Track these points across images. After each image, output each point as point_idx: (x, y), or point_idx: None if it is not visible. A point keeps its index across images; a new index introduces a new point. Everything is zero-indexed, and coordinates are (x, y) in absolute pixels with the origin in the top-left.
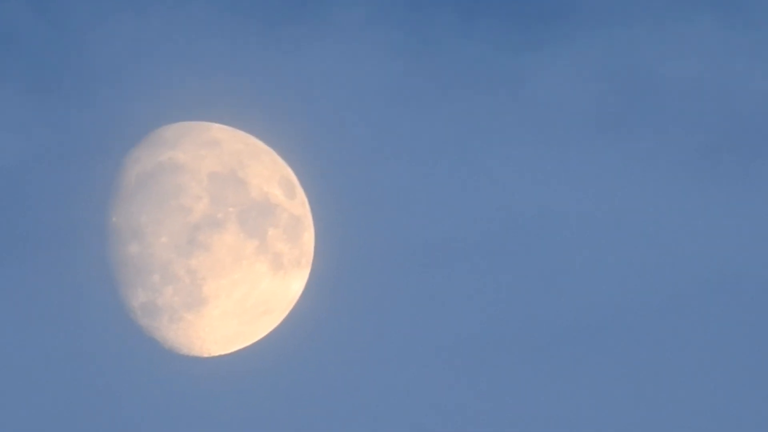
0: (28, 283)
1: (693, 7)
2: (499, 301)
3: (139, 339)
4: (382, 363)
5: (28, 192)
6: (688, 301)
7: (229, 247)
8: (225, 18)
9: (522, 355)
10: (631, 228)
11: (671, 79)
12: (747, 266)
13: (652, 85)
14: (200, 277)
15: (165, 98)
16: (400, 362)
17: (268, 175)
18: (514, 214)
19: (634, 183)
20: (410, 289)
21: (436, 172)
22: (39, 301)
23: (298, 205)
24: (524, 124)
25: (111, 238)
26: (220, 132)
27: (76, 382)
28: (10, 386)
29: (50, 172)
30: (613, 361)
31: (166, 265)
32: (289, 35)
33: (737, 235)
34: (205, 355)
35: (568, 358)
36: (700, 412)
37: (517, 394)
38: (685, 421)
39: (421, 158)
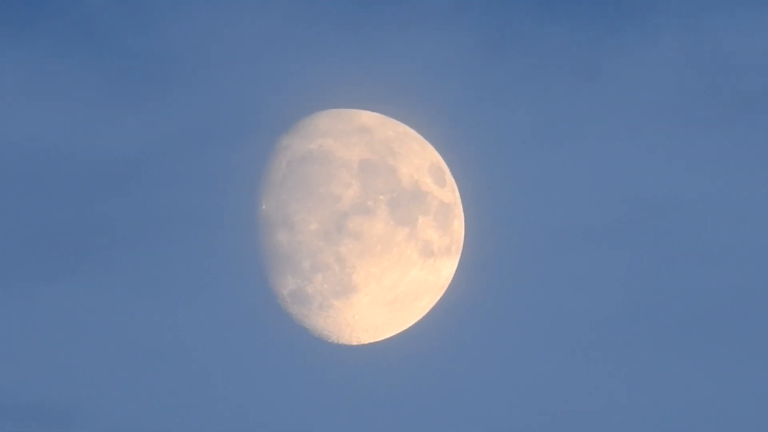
0: (174, 271)
1: None
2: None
3: (289, 327)
4: (531, 348)
5: (174, 178)
6: None
7: (379, 235)
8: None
9: (659, 338)
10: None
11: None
12: None
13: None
14: (350, 265)
15: (309, 86)
16: (547, 346)
17: (419, 162)
18: (644, 200)
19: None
20: (555, 274)
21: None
22: (186, 289)
23: (448, 193)
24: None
25: (260, 225)
26: (370, 119)
27: (224, 370)
28: (157, 373)
29: (196, 158)
30: (743, 346)
31: (316, 252)
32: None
33: None
34: (355, 343)
35: (697, 343)
36: None
37: (649, 379)
38: None
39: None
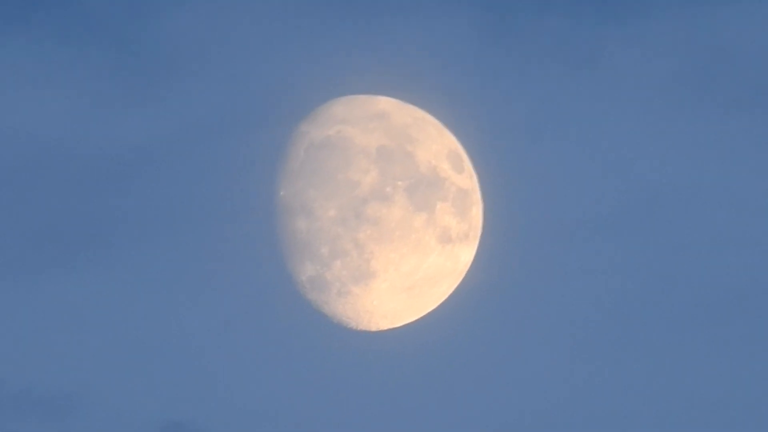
0: (194, 258)
1: None
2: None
3: (308, 313)
4: (547, 334)
5: (189, 168)
6: None
7: (398, 221)
8: None
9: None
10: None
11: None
12: None
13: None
14: (368, 251)
15: (327, 72)
16: (563, 333)
17: (437, 148)
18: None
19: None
20: (570, 262)
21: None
22: (206, 276)
23: (466, 179)
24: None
25: (279, 212)
26: (388, 104)
27: (243, 356)
28: (174, 364)
29: (212, 147)
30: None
31: (335, 239)
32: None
33: None
34: (374, 329)
35: (711, 329)
36: None
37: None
38: None
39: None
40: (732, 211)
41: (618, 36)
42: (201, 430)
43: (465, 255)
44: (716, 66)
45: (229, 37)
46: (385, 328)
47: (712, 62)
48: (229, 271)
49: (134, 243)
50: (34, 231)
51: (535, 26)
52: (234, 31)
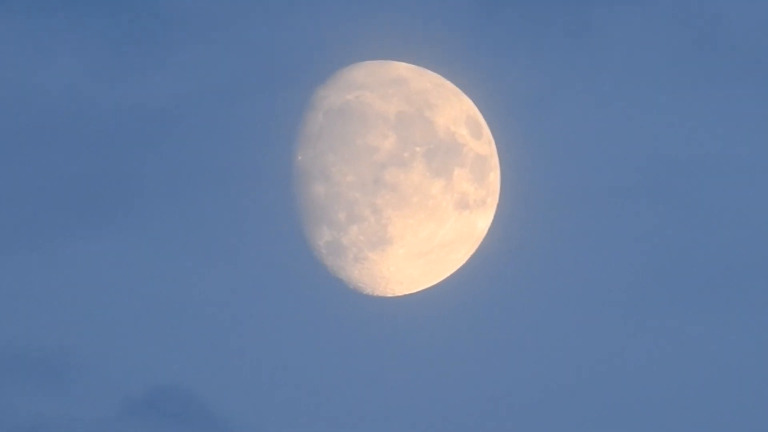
0: (210, 221)
1: None
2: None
3: (324, 278)
4: (564, 301)
5: (207, 130)
6: None
7: (416, 187)
8: None
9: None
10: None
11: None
12: None
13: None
14: (386, 217)
15: (347, 37)
16: (579, 299)
17: (455, 114)
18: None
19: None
20: (587, 229)
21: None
22: (221, 241)
23: (485, 145)
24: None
25: (297, 176)
26: (407, 71)
27: (260, 320)
28: (192, 325)
29: (230, 109)
30: None
31: (352, 204)
32: None
33: None
34: (389, 294)
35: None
36: None
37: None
38: None
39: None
40: (741, 181)
41: (610, 3)
42: (205, 394)
43: (482, 221)
44: (709, 32)
45: (248, 2)
46: (401, 294)
47: (706, 29)
48: (246, 235)
49: (151, 206)
50: (48, 195)
51: None
52: None
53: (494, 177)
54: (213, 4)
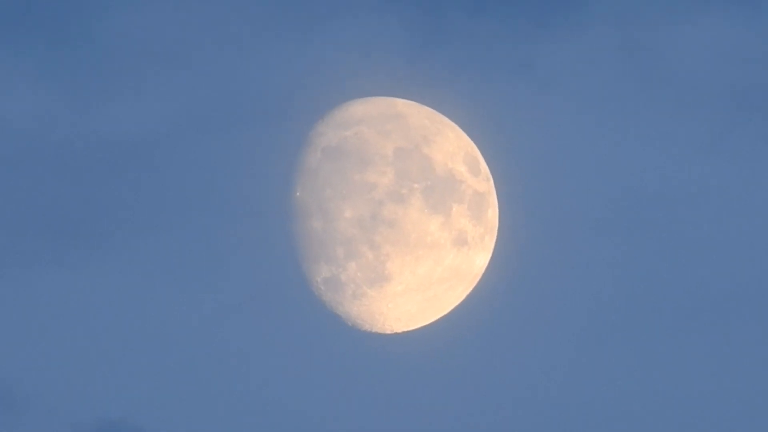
0: (205, 257)
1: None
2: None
3: (322, 314)
4: (563, 339)
5: (200, 161)
6: None
7: (414, 223)
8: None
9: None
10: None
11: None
12: None
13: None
14: (384, 253)
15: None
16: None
17: (453, 151)
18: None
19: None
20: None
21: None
22: (217, 275)
23: (483, 182)
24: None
25: (295, 212)
26: (405, 107)
27: (255, 356)
28: (184, 361)
29: (228, 141)
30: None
31: (350, 240)
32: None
33: None
34: (388, 331)
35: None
36: None
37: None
38: None
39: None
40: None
41: (550, 38)
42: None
43: (480, 257)
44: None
45: (241, 31)
46: (400, 330)
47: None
48: (243, 271)
49: (135, 239)
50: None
51: (467, 28)
52: (249, 25)
53: (492, 214)
54: (207, 35)
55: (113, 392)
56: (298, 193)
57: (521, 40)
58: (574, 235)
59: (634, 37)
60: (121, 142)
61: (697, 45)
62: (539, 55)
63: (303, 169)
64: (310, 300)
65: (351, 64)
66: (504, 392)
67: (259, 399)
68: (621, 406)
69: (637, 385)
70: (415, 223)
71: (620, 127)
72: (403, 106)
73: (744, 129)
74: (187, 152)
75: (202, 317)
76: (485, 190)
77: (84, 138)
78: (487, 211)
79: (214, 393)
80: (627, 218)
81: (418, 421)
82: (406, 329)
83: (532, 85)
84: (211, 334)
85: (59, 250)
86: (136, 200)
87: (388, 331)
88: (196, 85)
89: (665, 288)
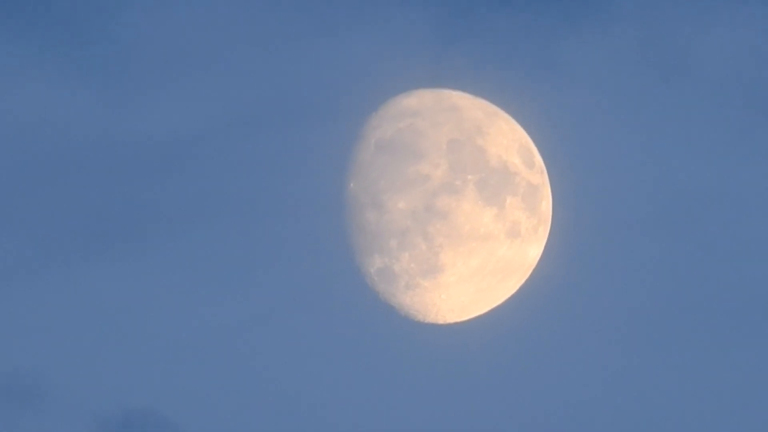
0: (262, 248)
1: None
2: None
3: (376, 305)
4: (615, 329)
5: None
6: None
7: (467, 215)
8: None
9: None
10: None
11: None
12: None
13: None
14: (437, 244)
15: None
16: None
17: (507, 143)
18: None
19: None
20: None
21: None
22: (276, 265)
23: (537, 174)
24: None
25: (349, 204)
26: (460, 99)
27: (309, 347)
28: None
29: (281, 137)
30: None
31: (404, 231)
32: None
33: None
34: (441, 322)
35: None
36: None
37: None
38: None
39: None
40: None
41: (575, 34)
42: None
43: (534, 249)
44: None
45: (289, 30)
46: (452, 321)
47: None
48: (297, 262)
49: (181, 236)
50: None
51: (491, 24)
52: (298, 23)
53: (546, 206)
54: (234, 37)
55: (143, 383)
56: (351, 185)
57: (546, 36)
58: (620, 231)
59: (659, 33)
60: (163, 142)
61: (724, 43)
62: (564, 51)
63: (356, 162)
64: (364, 291)
65: (380, 62)
66: (555, 384)
67: (314, 387)
68: (665, 405)
69: (678, 384)
70: (468, 215)
71: (651, 125)
72: (458, 98)
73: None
74: (231, 151)
75: (251, 312)
76: (539, 183)
77: (124, 137)
78: (541, 203)
79: (256, 385)
80: (672, 215)
81: (471, 412)
82: (458, 320)
83: (558, 81)
84: (257, 328)
85: (98, 248)
86: (182, 198)
87: (441, 322)
88: (228, 86)
89: (711, 287)
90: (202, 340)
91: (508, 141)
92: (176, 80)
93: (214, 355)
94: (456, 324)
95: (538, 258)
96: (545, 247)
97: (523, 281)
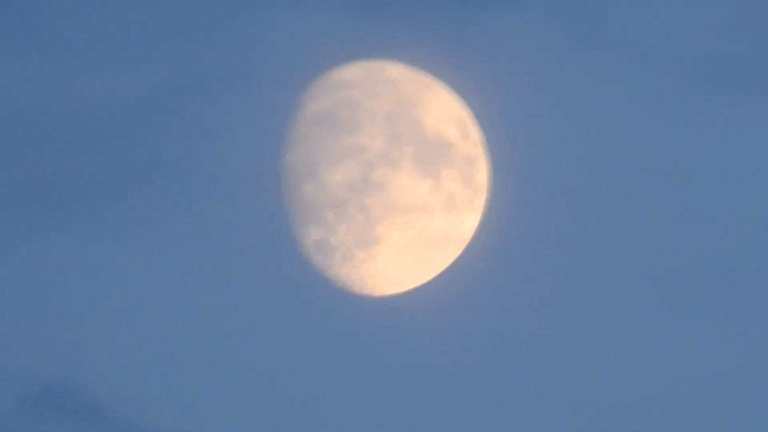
0: (199, 216)
1: None
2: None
3: (312, 276)
4: (549, 300)
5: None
6: None
7: (403, 187)
8: None
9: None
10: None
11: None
12: None
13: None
14: (374, 216)
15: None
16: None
17: (444, 115)
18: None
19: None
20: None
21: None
22: (208, 240)
23: (473, 146)
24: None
25: (286, 175)
26: (397, 71)
27: (246, 319)
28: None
29: (217, 104)
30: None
31: (340, 203)
32: None
33: None
34: (377, 294)
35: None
36: None
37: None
38: None
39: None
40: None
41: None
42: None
43: (470, 221)
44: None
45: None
46: (389, 293)
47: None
48: (234, 235)
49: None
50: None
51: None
52: None
53: (482, 178)
54: (191, 6)
55: (65, 355)
56: (288, 156)
57: (463, 8)
58: (556, 201)
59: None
60: (102, 109)
61: (637, 13)
62: (481, 22)
63: (293, 134)
64: (300, 263)
65: (310, 36)
66: (490, 354)
67: (247, 358)
68: (604, 374)
69: (616, 352)
70: (405, 187)
71: (572, 95)
72: (393, 69)
73: (698, 98)
74: (170, 118)
75: (186, 281)
76: (475, 154)
77: (65, 107)
78: (477, 175)
79: (203, 351)
80: (603, 183)
81: (407, 381)
82: (395, 292)
83: (484, 52)
84: (201, 294)
85: (42, 218)
86: (123, 166)
87: (377, 293)
88: (167, 56)
89: (646, 255)
90: (134, 312)
91: (444, 113)
92: (115, 50)
93: (146, 324)
94: (392, 295)
95: (474, 229)
96: (481, 218)
97: (459, 253)
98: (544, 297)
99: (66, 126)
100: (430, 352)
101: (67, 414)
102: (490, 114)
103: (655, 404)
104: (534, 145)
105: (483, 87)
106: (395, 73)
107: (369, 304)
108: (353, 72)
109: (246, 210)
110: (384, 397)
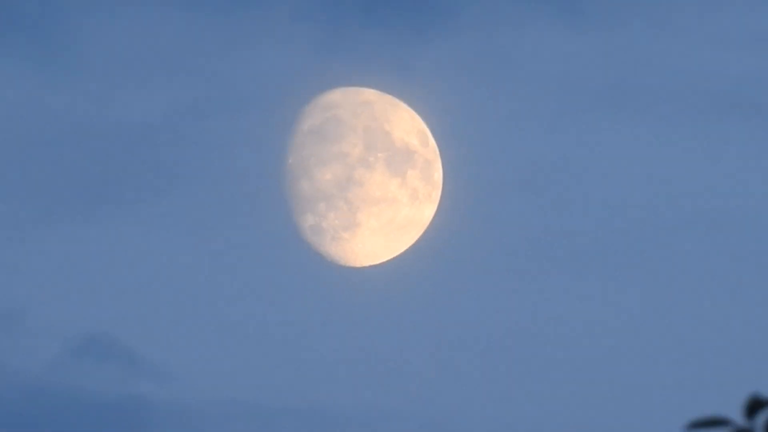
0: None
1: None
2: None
3: (308, 253)
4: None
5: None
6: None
7: (378, 184)
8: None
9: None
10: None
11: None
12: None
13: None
14: (355, 206)
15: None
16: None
17: (408, 128)
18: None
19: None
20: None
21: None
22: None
23: (431, 152)
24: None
25: (287, 175)
26: (371, 95)
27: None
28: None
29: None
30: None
31: (330, 196)
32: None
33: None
34: (359, 265)
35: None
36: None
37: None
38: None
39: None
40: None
41: (426, 44)
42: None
43: (428, 210)
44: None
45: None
46: (368, 264)
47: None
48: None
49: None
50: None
51: (361, 36)
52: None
53: (438, 176)
54: (201, 43)
55: (105, 312)
56: (290, 160)
57: (402, 44)
58: (494, 193)
59: (498, 42)
60: (132, 127)
61: (542, 48)
62: (417, 57)
63: (294, 143)
64: (299, 243)
65: (292, 68)
66: (446, 311)
67: (256, 315)
68: (552, 339)
69: (564, 321)
70: (379, 184)
71: (495, 113)
72: (369, 94)
73: (583, 113)
74: (196, 130)
75: (213, 256)
76: (432, 159)
77: (100, 124)
78: (434, 174)
79: (219, 309)
80: (530, 180)
81: (382, 332)
82: (372, 263)
83: (423, 81)
84: (219, 267)
85: (82, 210)
86: (148, 172)
87: (359, 265)
88: (184, 84)
89: (558, 235)
90: (162, 282)
91: (408, 127)
92: (140, 79)
93: (173, 293)
94: (370, 267)
95: (432, 216)
96: (437, 207)
97: (421, 233)
98: (487, 266)
99: (103, 139)
100: (400, 309)
101: (106, 360)
102: (443, 127)
103: (578, 354)
104: (477, 150)
105: (436, 106)
106: (370, 96)
107: (352, 274)
108: (337, 95)
109: (255, 202)
110: (365, 345)
